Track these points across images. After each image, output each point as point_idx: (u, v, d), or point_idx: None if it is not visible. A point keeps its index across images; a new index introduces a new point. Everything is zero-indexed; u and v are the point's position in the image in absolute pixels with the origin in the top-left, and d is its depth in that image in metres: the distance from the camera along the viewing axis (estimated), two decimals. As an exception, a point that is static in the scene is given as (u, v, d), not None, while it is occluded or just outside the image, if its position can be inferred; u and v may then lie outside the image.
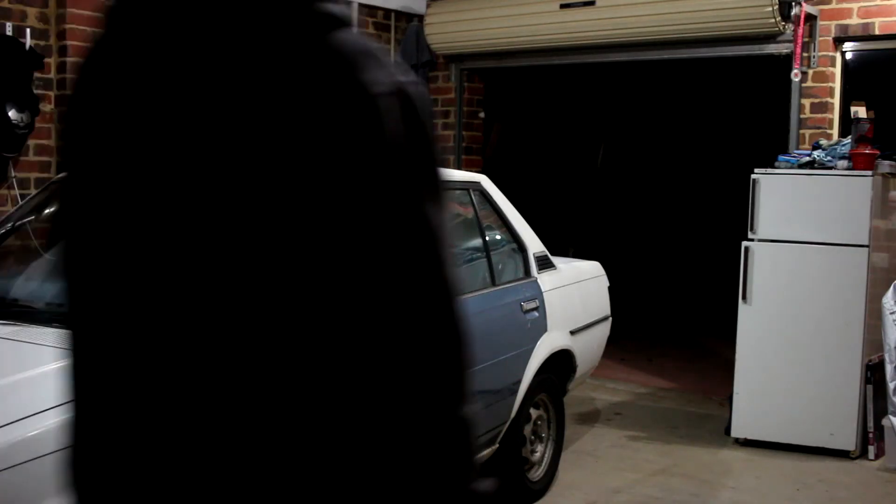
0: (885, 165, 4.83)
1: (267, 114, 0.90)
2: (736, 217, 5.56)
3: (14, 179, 5.17)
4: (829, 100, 5.64)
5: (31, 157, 5.30)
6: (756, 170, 4.96)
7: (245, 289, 0.92)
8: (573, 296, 4.45)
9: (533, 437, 4.20)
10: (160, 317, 0.99)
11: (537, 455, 4.24)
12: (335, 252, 0.91)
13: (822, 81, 5.64)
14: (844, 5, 5.51)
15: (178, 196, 0.94)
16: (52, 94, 5.36)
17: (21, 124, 4.99)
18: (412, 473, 0.94)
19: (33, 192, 4.80)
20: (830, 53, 5.61)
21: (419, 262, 0.98)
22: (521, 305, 3.99)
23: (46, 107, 5.32)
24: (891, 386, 4.64)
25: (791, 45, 5.57)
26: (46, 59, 5.27)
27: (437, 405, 0.95)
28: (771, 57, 5.76)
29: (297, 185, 0.90)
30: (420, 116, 0.98)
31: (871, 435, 4.79)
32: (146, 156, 0.96)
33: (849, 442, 4.77)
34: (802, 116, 5.69)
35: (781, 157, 5.07)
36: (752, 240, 4.94)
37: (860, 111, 4.91)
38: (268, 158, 0.90)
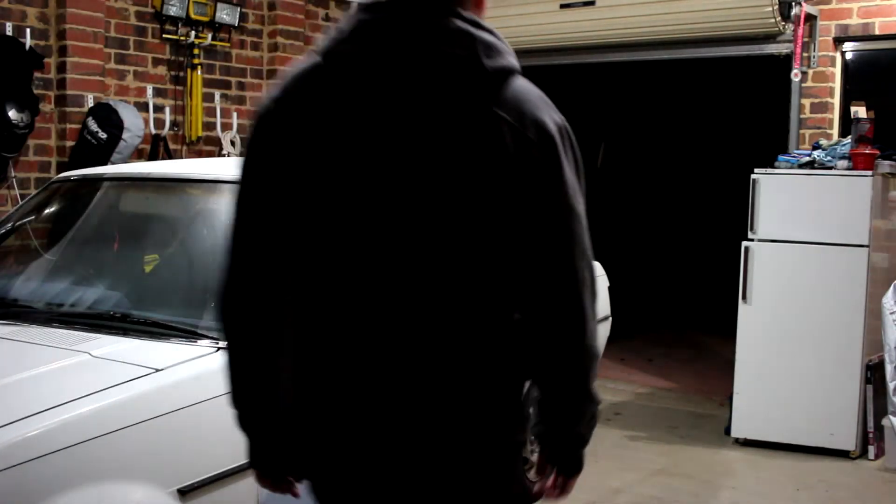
0: (885, 165, 4.83)
1: (519, 136, 1.48)
2: (736, 217, 5.56)
3: (14, 179, 5.17)
4: (829, 100, 5.64)
5: (31, 157, 5.30)
6: (756, 170, 4.96)
7: (491, 230, 1.50)
8: (573, 296, 4.44)
9: (533, 438, 4.19)
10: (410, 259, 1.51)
11: (537, 455, 4.23)
12: (547, 206, 1.51)
13: (822, 81, 5.64)
14: (844, 5, 5.50)
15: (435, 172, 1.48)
16: (52, 94, 5.36)
17: (21, 124, 4.99)
18: (584, 363, 1.61)
19: (33, 192, 4.80)
20: (830, 53, 5.61)
21: (580, 221, 1.54)
22: (521, 305, 3.98)
23: (46, 107, 5.32)
24: (891, 386, 4.63)
25: (791, 45, 5.57)
26: (46, 59, 5.27)
27: (586, 339, 1.58)
28: (771, 57, 5.76)
29: (540, 178, 1.49)
30: (573, 138, 1.57)
31: (871, 435, 4.79)
32: (395, 164, 1.49)
33: (849, 442, 4.77)
34: (802, 116, 5.69)
35: (781, 157, 5.07)
36: (752, 240, 4.94)
37: (860, 111, 4.90)
38: (519, 161, 1.48)
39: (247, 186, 1.67)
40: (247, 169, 1.66)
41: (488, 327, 1.55)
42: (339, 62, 1.52)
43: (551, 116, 1.53)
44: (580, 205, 1.54)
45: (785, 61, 5.66)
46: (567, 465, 1.86)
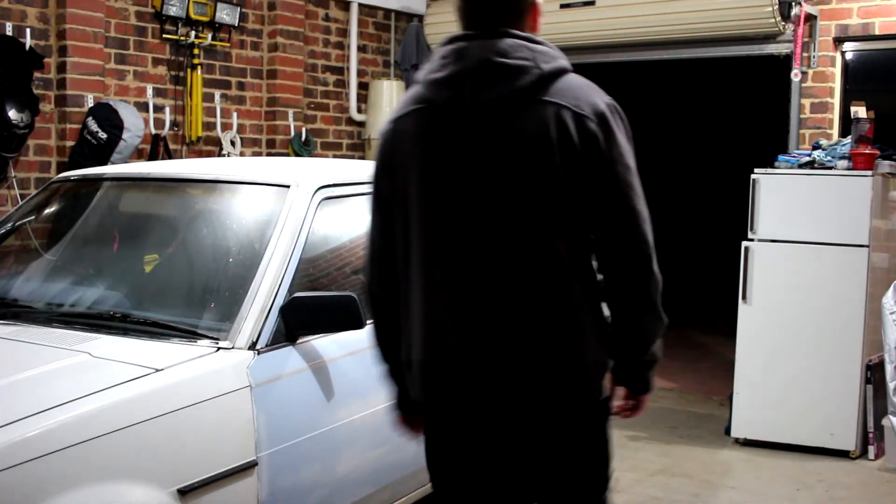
0: (885, 165, 4.83)
1: (578, 118, 1.94)
2: (736, 217, 5.56)
3: (14, 179, 5.17)
4: (829, 100, 5.64)
5: (31, 157, 5.30)
6: (756, 170, 4.96)
7: (561, 198, 1.93)
8: (573, 296, 4.44)
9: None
10: (483, 219, 1.95)
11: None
12: (604, 173, 1.94)
13: (822, 81, 5.64)
14: (844, 5, 5.51)
15: (512, 176, 1.94)
16: (52, 94, 5.36)
17: (21, 124, 4.99)
18: (647, 287, 1.98)
19: (33, 192, 4.80)
20: (830, 53, 5.61)
21: (636, 184, 1.97)
22: (521, 305, 3.98)
23: (46, 107, 5.32)
24: (891, 386, 4.64)
25: (791, 45, 5.57)
26: (46, 59, 5.27)
27: (644, 242, 1.97)
28: (771, 57, 5.76)
29: (598, 148, 1.93)
30: (621, 112, 2.02)
31: (871, 435, 4.79)
32: (465, 142, 1.96)
33: (849, 442, 4.77)
34: (802, 116, 5.69)
35: (781, 157, 5.07)
36: (751, 240, 4.94)
37: (860, 111, 4.90)
38: (577, 140, 1.92)
39: (375, 193, 2.14)
40: (375, 178, 2.13)
41: (564, 269, 1.95)
42: (433, 81, 2.01)
43: (600, 98, 2.01)
44: (632, 161, 1.98)
45: (785, 61, 5.66)
46: (636, 384, 2.09)
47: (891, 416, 4.62)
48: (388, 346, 2.15)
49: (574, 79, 2.03)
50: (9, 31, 5.09)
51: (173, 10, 5.81)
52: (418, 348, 2.03)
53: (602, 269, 1.99)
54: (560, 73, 2.01)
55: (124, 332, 2.69)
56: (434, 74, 2.01)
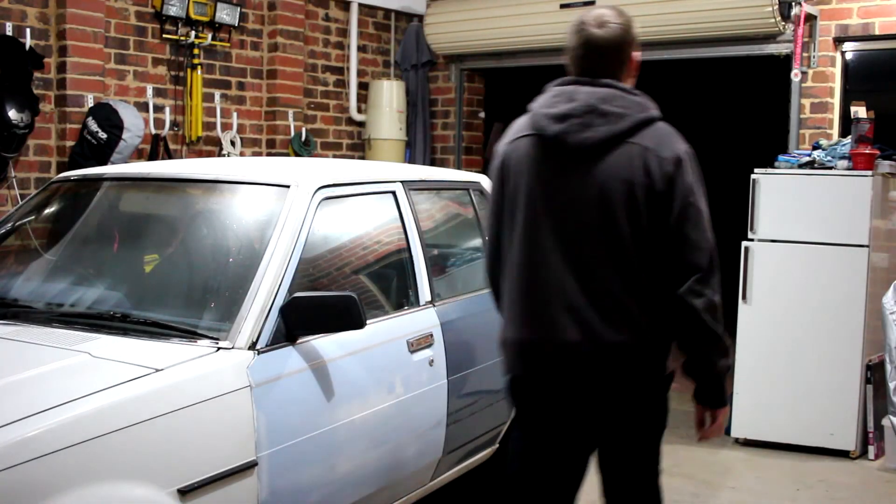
0: (885, 165, 4.83)
1: (660, 160, 2.35)
2: (736, 217, 5.55)
3: (14, 179, 5.17)
4: (829, 100, 5.64)
5: (31, 157, 5.30)
6: (756, 170, 4.96)
7: (642, 225, 2.35)
8: (573, 296, 4.44)
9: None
10: (579, 232, 2.40)
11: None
12: (678, 209, 2.33)
13: (822, 81, 5.64)
14: (844, 5, 5.51)
15: (596, 188, 2.37)
16: (52, 94, 5.36)
17: (21, 124, 4.99)
18: (711, 306, 2.33)
19: (33, 192, 4.80)
20: (830, 53, 5.61)
21: (705, 216, 2.36)
22: (521, 305, 3.99)
23: (46, 107, 5.32)
24: (891, 386, 4.64)
25: (791, 45, 5.57)
26: (46, 59, 5.27)
27: (711, 268, 2.33)
28: (771, 57, 5.76)
29: (672, 185, 2.34)
30: (693, 158, 2.41)
31: (871, 435, 4.79)
32: (584, 169, 2.40)
33: (849, 442, 4.77)
34: (802, 116, 5.69)
35: (781, 157, 5.07)
36: (751, 240, 4.94)
37: (860, 111, 4.91)
38: (659, 180, 2.34)
39: (493, 199, 2.62)
40: (493, 188, 2.62)
41: (640, 278, 2.38)
42: (546, 114, 2.47)
43: (680, 145, 2.42)
44: (699, 199, 2.37)
45: (785, 61, 5.66)
46: (710, 399, 2.50)
47: (891, 416, 4.62)
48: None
49: (661, 127, 2.45)
50: (9, 31, 5.09)
51: (173, 10, 5.81)
52: (517, 329, 2.50)
53: (672, 282, 2.36)
54: (650, 121, 2.43)
55: (124, 332, 2.69)
56: (547, 109, 2.47)
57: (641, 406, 2.49)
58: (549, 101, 2.47)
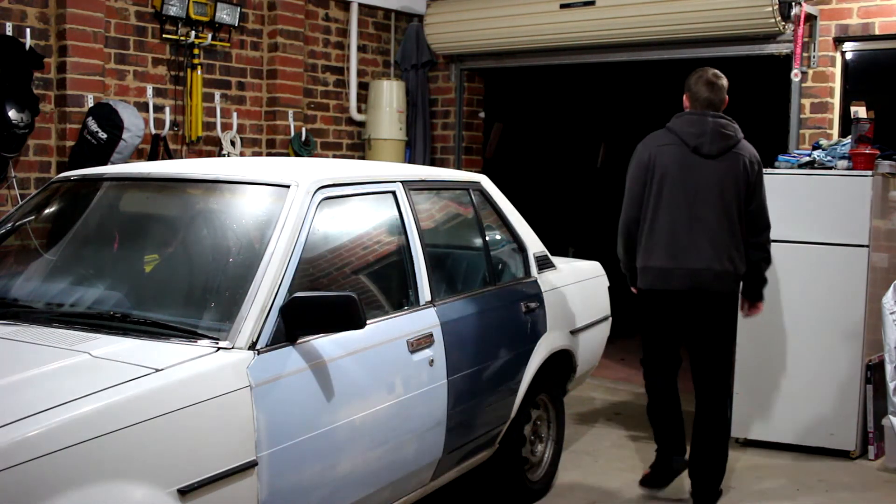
0: (885, 165, 4.83)
1: (751, 163, 4.06)
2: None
3: (14, 179, 5.17)
4: (829, 100, 5.64)
5: (31, 157, 5.31)
6: (756, 170, 4.96)
7: (741, 203, 4.03)
8: (573, 296, 4.45)
9: (533, 437, 4.20)
10: (709, 204, 4.00)
11: (537, 455, 4.24)
12: (757, 193, 4.07)
13: (822, 81, 5.64)
14: (844, 5, 5.51)
15: (735, 174, 4.02)
16: (52, 94, 5.37)
17: (21, 124, 4.99)
18: (766, 249, 4.12)
19: (33, 192, 4.80)
20: (830, 53, 5.61)
21: (765, 198, 4.12)
22: (521, 305, 3.98)
23: (46, 107, 5.32)
24: (891, 386, 4.63)
25: (791, 45, 5.57)
26: (46, 59, 5.27)
27: (768, 228, 4.11)
28: (771, 57, 5.76)
29: (758, 181, 4.08)
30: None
31: (871, 435, 4.79)
32: (720, 162, 4.03)
33: (849, 442, 4.77)
34: (802, 116, 5.69)
35: (781, 157, 5.07)
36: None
37: (860, 111, 4.91)
38: (751, 175, 4.05)
39: (638, 181, 4.10)
40: (638, 174, 4.11)
41: (737, 233, 4.00)
42: (687, 132, 4.02)
43: (755, 152, 4.07)
44: (765, 190, 4.08)
45: (785, 61, 5.66)
46: (759, 295, 4.22)
47: (891, 416, 4.61)
48: (631, 259, 4.18)
49: (746, 142, 4.08)
50: (9, 31, 5.10)
51: (173, 10, 5.81)
52: (662, 260, 4.01)
53: (748, 236, 4.05)
54: (742, 138, 4.07)
55: (124, 332, 2.69)
56: (687, 128, 4.03)
57: (727, 310, 4.10)
58: (687, 124, 4.05)
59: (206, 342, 2.62)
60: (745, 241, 4.00)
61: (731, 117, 4.04)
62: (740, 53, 5.87)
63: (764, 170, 4.97)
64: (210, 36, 6.11)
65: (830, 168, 4.85)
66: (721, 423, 4.12)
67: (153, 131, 5.80)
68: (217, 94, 6.23)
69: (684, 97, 4.14)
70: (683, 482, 4.25)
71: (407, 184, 3.59)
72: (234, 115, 6.32)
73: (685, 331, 4.12)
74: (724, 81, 4.09)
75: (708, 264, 3.94)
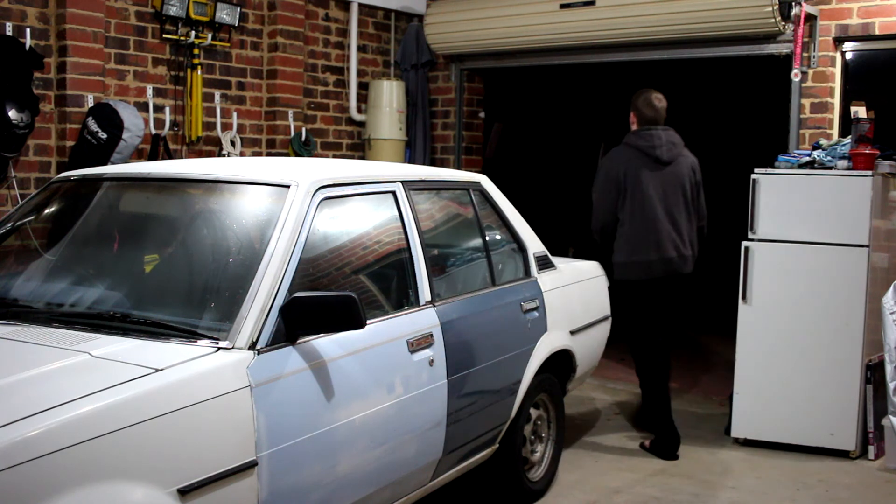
0: (885, 165, 4.83)
1: (694, 164, 4.96)
2: (736, 217, 5.55)
3: (14, 179, 5.17)
4: (829, 100, 5.64)
5: (31, 157, 5.31)
6: (756, 170, 4.96)
7: (692, 199, 4.92)
8: (573, 296, 4.45)
9: (533, 437, 4.20)
10: (669, 203, 4.81)
11: (537, 455, 4.24)
12: (701, 188, 4.97)
13: (822, 81, 5.64)
14: (844, 5, 5.51)
15: (683, 176, 4.87)
16: (52, 94, 5.37)
17: (21, 124, 4.99)
18: (704, 232, 5.09)
19: (33, 192, 4.80)
20: (830, 53, 5.61)
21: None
22: (521, 305, 3.99)
23: (46, 107, 5.32)
24: (891, 386, 4.64)
25: (791, 45, 5.57)
26: (46, 59, 5.28)
27: (706, 215, 5.10)
28: (771, 57, 5.76)
29: (700, 178, 4.98)
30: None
31: (871, 435, 4.79)
32: (672, 169, 4.86)
33: (849, 442, 4.77)
34: (802, 116, 5.69)
35: (781, 157, 5.07)
36: (752, 240, 4.94)
37: (860, 111, 4.90)
38: (696, 174, 4.95)
39: (613, 184, 4.78)
40: (614, 178, 4.77)
41: (692, 223, 4.90)
42: (647, 145, 4.79)
43: (694, 157, 5.00)
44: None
45: (785, 61, 5.66)
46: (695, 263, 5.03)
47: (891, 416, 4.62)
48: (608, 253, 4.89)
49: (686, 148, 4.93)
50: (9, 31, 5.10)
51: (173, 10, 5.81)
52: (646, 254, 4.73)
53: (697, 223, 4.93)
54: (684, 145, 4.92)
55: (124, 332, 2.69)
56: (645, 142, 4.78)
57: (682, 285, 4.89)
58: (645, 136, 4.80)
59: (206, 342, 2.62)
60: (696, 227, 4.94)
61: (673, 128, 4.89)
62: (740, 53, 5.87)
63: (764, 170, 5.03)
64: (210, 36, 6.11)
65: (830, 168, 4.85)
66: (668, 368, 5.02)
67: (153, 131, 5.80)
68: (217, 94, 6.23)
69: (631, 115, 4.91)
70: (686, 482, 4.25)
71: (407, 184, 3.59)
72: (234, 115, 6.32)
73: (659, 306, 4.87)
74: (664, 103, 4.87)
75: (679, 252, 4.77)
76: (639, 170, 4.72)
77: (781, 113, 5.80)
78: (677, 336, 5.26)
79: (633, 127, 4.88)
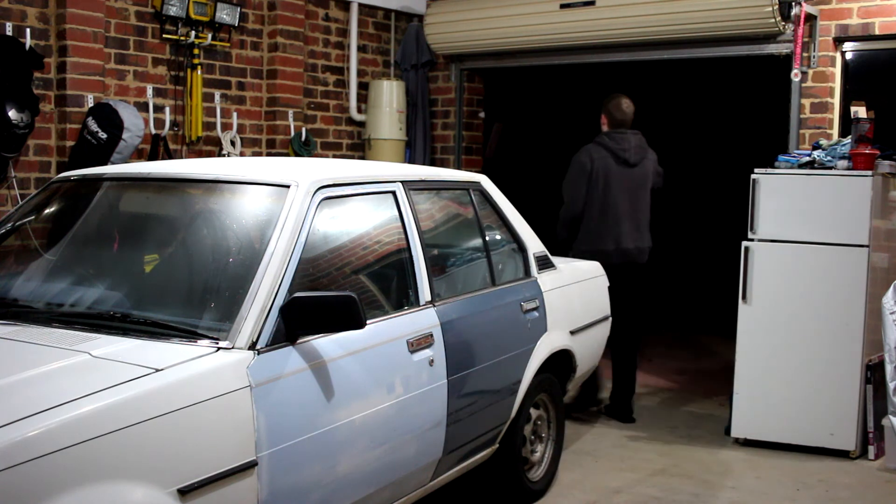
0: (885, 165, 4.83)
1: (655, 165, 5.51)
2: (736, 217, 5.55)
3: (14, 179, 5.17)
4: (829, 100, 5.64)
5: (31, 157, 5.31)
6: (756, 170, 4.96)
7: (647, 192, 5.47)
8: (573, 296, 4.45)
9: (533, 437, 4.20)
10: (633, 201, 5.39)
11: (537, 455, 4.24)
12: (659, 176, 5.58)
13: (822, 81, 5.64)
14: (844, 5, 5.51)
15: (647, 177, 5.44)
16: (52, 94, 5.37)
17: (21, 124, 4.99)
18: None
19: (33, 192, 4.80)
20: (830, 53, 5.61)
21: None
22: (521, 305, 3.99)
23: (46, 107, 5.32)
24: (891, 386, 4.63)
25: (791, 45, 5.57)
26: (46, 59, 5.27)
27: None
28: (771, 57, 5.76)
29: (658, 175, 5.55)
30: None
31: (871, 435, 4.79)
32: (638, 170, 5.42)
33: (849, 442, 4.77)
34: (802, 116, 5.69)
35: (781, 157, 5.07)
36: (752, 240, 4.94)
37: (860, 111, 4.90)
38: (656, 175, 5.52)
39: (584, 181, 5.28)
40: (585, 175, 5.28)
41: (648, 218, 5.46)
42: (618, 147, 5.31)
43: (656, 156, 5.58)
44: None
45: (785, 61, 5.66)
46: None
47: (891, 416, 4.62)
48: (572, 241, 5.36)
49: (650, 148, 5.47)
50: (9, 31, 5.10)
51: (173, 10, 5.81)
52: (609, 244, 5.25)
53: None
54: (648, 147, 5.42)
55: (124, 332, 2.68)
56: (616, 144, 5.27)
57: (646, 275, 5.41)
58: (616, 138, 5.31)
59: (206, 342, 2.62)
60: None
61: (640, 131, 5.40)
62: (740, 53, 5.87)
63: (764, 170, 5.03)
64: (210, 36, 6.11)
65: (830, 168, 4.85)
66: (636, 352, 5.59)
67: (153, 131, 5.80)
68: (217, 94, 6.23)
69: (602, 117, 5.42)
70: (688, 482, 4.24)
71: (407, 184, 3.59)
72: (234, 115, 6.32)
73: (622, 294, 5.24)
74: (633, 108, 5.40)
75: (636, 245, 5.32)
76: (608, 168, 5.24)
77: (781, 113, 5.80)
78: (650, 321, 6.26)
79: (604, 128, 5.41)
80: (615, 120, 5.34)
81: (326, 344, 2.85)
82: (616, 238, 5.25)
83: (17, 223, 3.41)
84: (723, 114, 8.73)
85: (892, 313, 4.66)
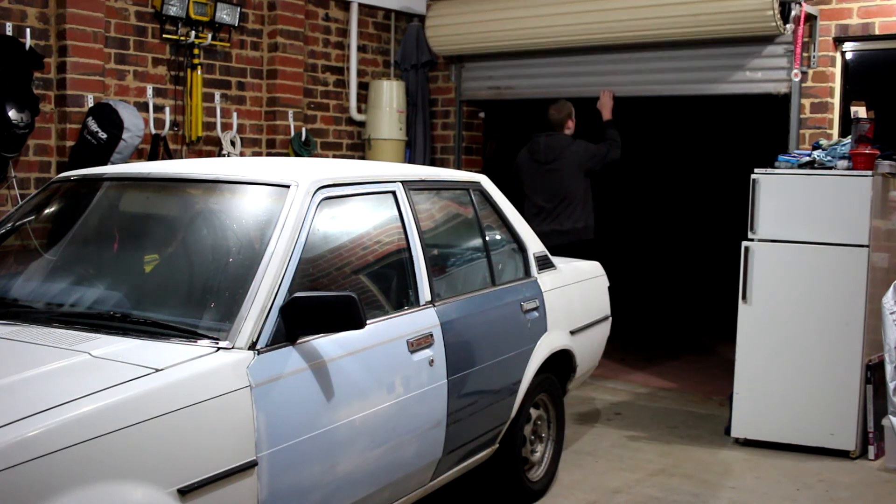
0: (885, 165, 4.83)
1: (577, 160, 6.11)
2: (736, 217, 5.55)
3: (14, 179, 5.17)
4: (829, 100, 5.64)
5: (31, 157, 5.31)
6: (756, 170, 4.96)
7: (581, 177, 6.12)
8: (573, 296, 4.45)
9: (533, 437, 4.20)
10: (555, 192, 6.11)
11: (537, 455, 4.24)
12: (592, 161, 6.16)
13: (822, 81, 5.64)
14: (844, 5, 5.51)
15: (562, 170, 6.09)
16: (52, 94, 5.37)
17: (21, 124, 4.99)
18: None
19: (33, 192, 4.80)
20: (830, 53, 5.61)
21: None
22: (521, 305, 3.99)
23: (46, 107, 5.32)
24: (891, 386, 4.63)
25: (791, 45, 5.57)
26: (46, 59, 5.27)
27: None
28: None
29: (591, 156, 6.15)
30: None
31: (871, 435, 4.79)
32: (550, 166, 6.13)
33: (849, 442, 4.77)
34: (802, 116, 5.69)
35: (781, 157, 5.07)
36: (752, 240, 4.94)
37: (860, 111, 4.90)
38: (580, 166, 6.11)
39: (517, 180, 6.25)
40: (517, 175, 6.27)
41: (580, 203, 6.10)
42: (535, 142, 6.20)
43: (584, 153, 6.12)
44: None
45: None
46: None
47: (891, 416, 4.62)
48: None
49: (575, 145, 6.10)
50: (9, 31, 5.10)
51: (173, 10, 5.81)
52: (540, 227, 5.62)
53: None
54: (567, 146, 6.07)
55: (124, 332, 2.69)
56: (531, 146, 6.14)
57: (585, 252, 5.44)
58: (539, 140, 6.10)
59: (206, 342, 2.62)
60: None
61: (561, 135, 6.10)
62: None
63: (764, 170, 5.02)
64: (210, 36, 6.11)
65: (830, 168, 4.85)
66: None
67: (153, 131, 5.80)
68: (217, 94, 6.23)
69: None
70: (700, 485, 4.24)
71: (407, 184, 3.59)
72: (234, 115, 6.32)
73: None
74: (561, 114, 6.14)
75: (556, 228, 6.00)
76: (527, 166, 6.20)
77: (781, 113, 5.80)
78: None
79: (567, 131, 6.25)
80: (546, 122, 6.20)
81: (326, 344, 2.85)
82: (544, 220, 6.07)
83: (17, 223, 3.41)
84: (722, 114, 8.73)
85: (892, 313, 4.66)
